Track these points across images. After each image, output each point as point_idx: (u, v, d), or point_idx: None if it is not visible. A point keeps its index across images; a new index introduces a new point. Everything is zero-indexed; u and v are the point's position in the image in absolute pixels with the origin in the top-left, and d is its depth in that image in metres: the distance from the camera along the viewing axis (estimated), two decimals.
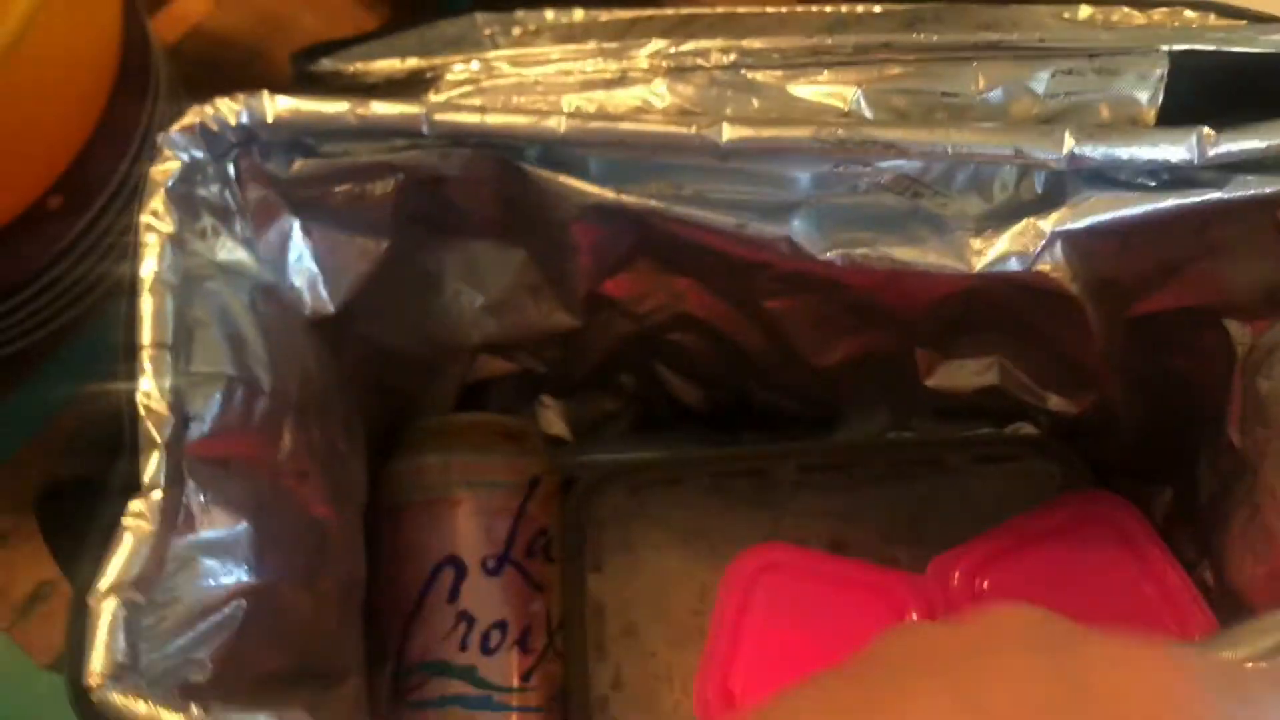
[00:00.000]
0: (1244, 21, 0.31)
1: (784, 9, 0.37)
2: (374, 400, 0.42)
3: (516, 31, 0.38)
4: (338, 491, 0.34)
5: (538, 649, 0.40)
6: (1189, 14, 0.34)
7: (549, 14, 0.38)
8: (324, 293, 0.36)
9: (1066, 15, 0.34)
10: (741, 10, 0.37)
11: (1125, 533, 0.38)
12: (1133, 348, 0.38)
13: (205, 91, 0.48)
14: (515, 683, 0.39)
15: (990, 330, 0.40)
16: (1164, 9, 0.34)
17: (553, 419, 0.48)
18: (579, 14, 0.38)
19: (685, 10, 0.38)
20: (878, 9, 0.36)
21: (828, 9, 0.36)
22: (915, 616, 0.37)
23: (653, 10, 0.38)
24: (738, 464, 0.44)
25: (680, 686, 0.41)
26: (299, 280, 0.36)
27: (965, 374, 0.42)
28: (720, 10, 0.37)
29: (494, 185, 0.34)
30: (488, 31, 0.38)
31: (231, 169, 0.33)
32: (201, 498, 0.28)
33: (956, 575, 0.39)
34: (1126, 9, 0.34)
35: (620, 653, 0.41)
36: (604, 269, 0.37)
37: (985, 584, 0.39)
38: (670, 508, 0.43)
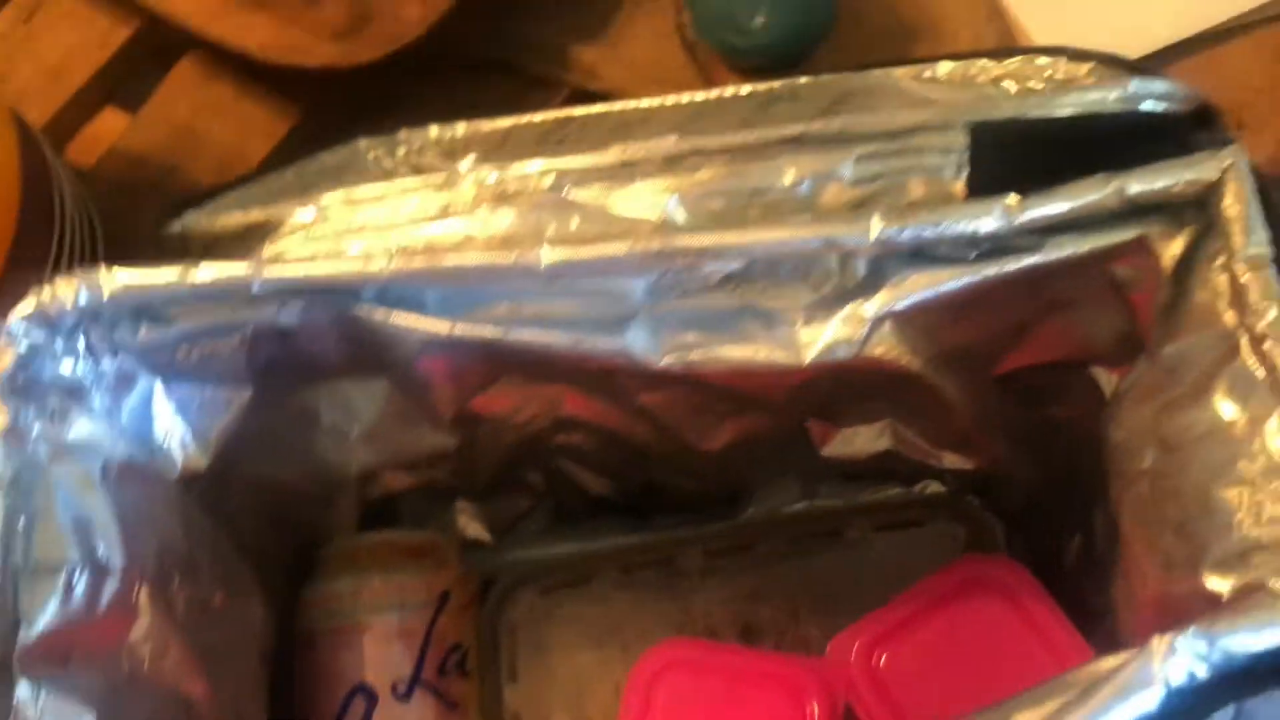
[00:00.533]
0: (1041, 87, 0.31)
1: (659, 100, 0.37)
2: (272, 535, 0.42)
3: (401, 152, 0.38)
4: (211, 653, 0.34)
5: None
6: (1040, 61, 0.34)
7: (433, 131, 0.38)
8: (194, 450, 0.36)
9: (927, 75, 0.34)
10: (618, 107, 0.37)
11: (1013, 594, 0.38)
12: (1007, 404, 0.38)
13: (120, 218, 0.48)
14: None
15: (870, 400, 0.40)
16: (1019, 59, 0.34)
17: (468, 522, 0.48)
18: (461, 128, 0.38)
19: (563, 113, 0.38)
20: (744, 90, 0.36)
21: (698, 97, 0.37)
22: (815, 706, 0.37)
23: (529, 116, 0.38)
24: (646, 554, 0.44)
25: None
26: (168, 442, 0.36)
27: (860, 441, 0.42)
28: (598, 108, 0.37)
29: (336, 330, 0.34)
30: (371, 156, 0.38)
31: (82, 342, 0.34)
32: (38, 696, 0.28)
33: (854, 652, 0.38)
34: (984, 61, 0.34)
35: None
36: (467, 391, 0.37)
37: (882, 659, 0.38)
38: (582, 606, 0.43)
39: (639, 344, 0.32)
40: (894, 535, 0.43)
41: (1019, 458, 0.40)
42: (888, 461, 0.43)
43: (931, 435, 0.42)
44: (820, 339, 0.31)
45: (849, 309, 0.31)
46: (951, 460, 0.42)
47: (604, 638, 0.43)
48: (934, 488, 0.45)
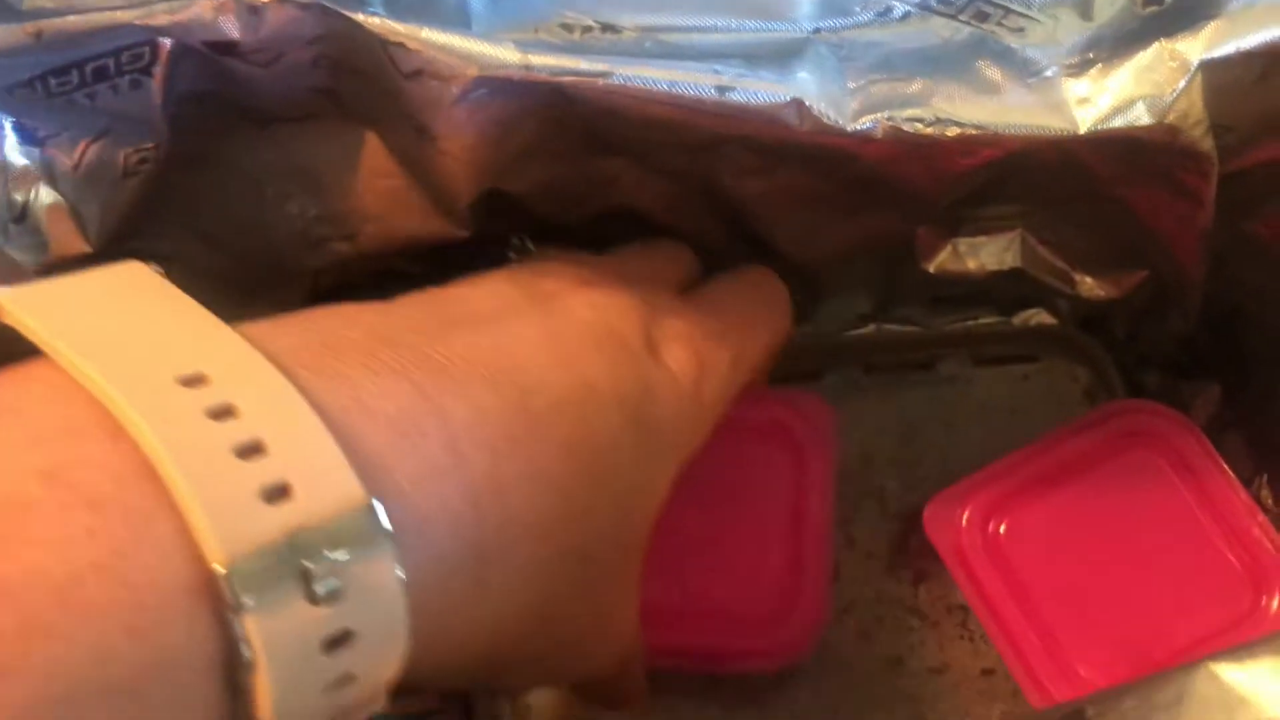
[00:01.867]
0: None
1: None
2: None
3: None
4: None
5: None
6: None
7: None
8: (70, 227, 0.23)
9: None
10: None
11: (1180, 455, 0.30)
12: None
13: None
14: None
15: (1022, 200, 0.30)
16: None
17: None
18: None
19: None
20: None
21: None
22: None
23: None
24: None
25: None
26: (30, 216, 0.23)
27: (984, 255, 0.32)
28: None
29: (314, 50, 0.21)
30: None
31: None
32: None
33: (965, 516, 0.30)
34: None
35: None
36: (500, 160, 0.25)
37: (1001, 526, 0.30)
38: None
39: (818, 91, 0.20)
40: (999, 371, 0.34)
41: (1196, 282, 0.31)
42: (997, 283, 0.34)
43: (1079, 251, 0.32)
44: (1106, 94, 0.21)
45: (1155, 49, 0.20)
46: (1088, 286, 0.33)
47: None
48: (1039, 319, 0.36)
